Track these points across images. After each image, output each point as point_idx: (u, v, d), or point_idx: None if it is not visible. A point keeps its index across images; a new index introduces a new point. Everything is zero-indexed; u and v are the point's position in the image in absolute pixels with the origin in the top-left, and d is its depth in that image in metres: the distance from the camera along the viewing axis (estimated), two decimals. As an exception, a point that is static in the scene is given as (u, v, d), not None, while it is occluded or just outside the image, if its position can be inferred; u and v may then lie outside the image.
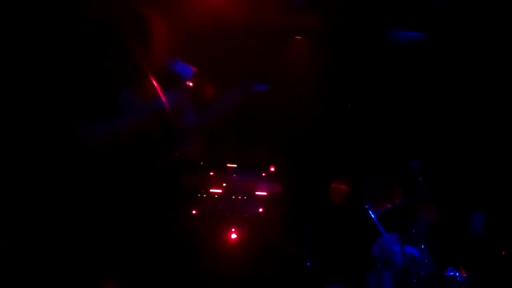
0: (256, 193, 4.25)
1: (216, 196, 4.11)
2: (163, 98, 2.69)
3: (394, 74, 4.85)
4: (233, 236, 4.12)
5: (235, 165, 4.19)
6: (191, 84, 2.98)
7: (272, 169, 4.31)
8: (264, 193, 4.30)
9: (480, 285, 4.05)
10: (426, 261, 4.19)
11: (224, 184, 4.14)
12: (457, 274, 4.07)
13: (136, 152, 2.66)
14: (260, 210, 4.23)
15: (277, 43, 4.81)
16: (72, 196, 2.58)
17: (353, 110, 4.24)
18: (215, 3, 4.41)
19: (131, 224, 2.63)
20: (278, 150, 4.37)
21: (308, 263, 4.26)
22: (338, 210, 4.55)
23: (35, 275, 3.31)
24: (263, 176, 4.31)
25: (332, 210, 4.58)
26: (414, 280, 3.97)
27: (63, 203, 2.60)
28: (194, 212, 4.00)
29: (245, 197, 4.18)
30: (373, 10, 4.71)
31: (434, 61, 4.91)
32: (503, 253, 4.24)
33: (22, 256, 2.87)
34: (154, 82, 2.70)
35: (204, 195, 4.04)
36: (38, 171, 2.69)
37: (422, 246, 4.24)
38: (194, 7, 4.34)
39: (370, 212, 4.39)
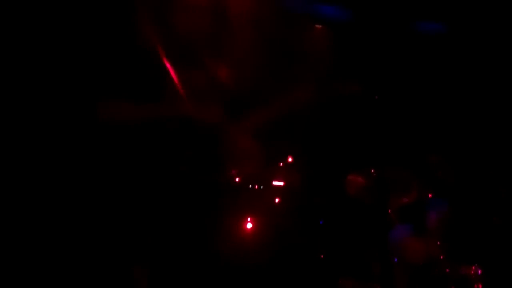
0: (273, 183, 4.22)
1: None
2: None
3: (417, 66, 4.80)
4: (249, 225, 4.09)
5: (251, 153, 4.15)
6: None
7: (290, 159, 4.27)
8: (281, 184, 4.26)
9: (495, 284, 4.01)
10: (441, 257, 4.15)
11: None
12: (471, 272, 4.04)
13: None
14: (277, 200, 4.19)
15: (298, 32, 4.76)
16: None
17: (377, 101, 4.17)
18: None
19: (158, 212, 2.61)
20: (297, 141, 4.33)
21: (322, 255, 4.24)
22: (354, 203, 4.50)
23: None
24: (281, 166, 4.27)
25: (347, 203, 4.53)
26: (426, 277, 3.94)
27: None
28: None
29: (261, 187, 4.15)
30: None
31: (455, 55, 4.85)
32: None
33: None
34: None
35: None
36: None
37: (438, 243, 4.20)
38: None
39: (386, 206, 4.36)
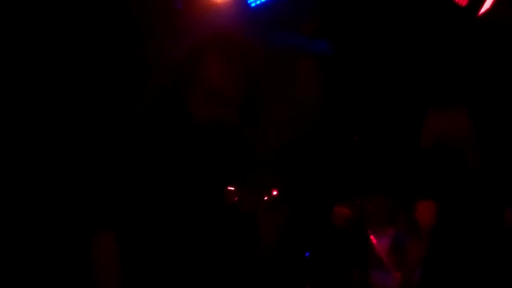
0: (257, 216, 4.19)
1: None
2: None
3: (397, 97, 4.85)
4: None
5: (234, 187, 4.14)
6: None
7: (275, 192, 4.26)
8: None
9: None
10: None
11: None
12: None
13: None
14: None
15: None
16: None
17: (359, 140, 4.22)
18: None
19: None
20: (282, 173, 4.34)
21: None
22: (340, 234, 4.50)
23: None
24: (265, 199, 4.25)
25: (334, 234, 4.52)
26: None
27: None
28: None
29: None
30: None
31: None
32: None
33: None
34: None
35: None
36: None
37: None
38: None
39: (372, 238, 4.36)
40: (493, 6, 4.73)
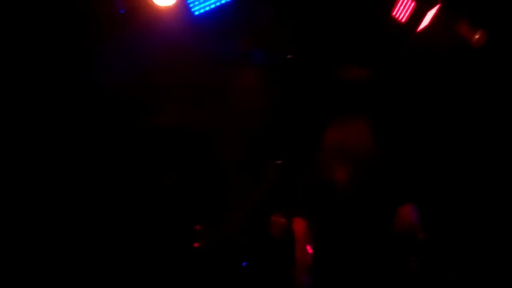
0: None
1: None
2: None
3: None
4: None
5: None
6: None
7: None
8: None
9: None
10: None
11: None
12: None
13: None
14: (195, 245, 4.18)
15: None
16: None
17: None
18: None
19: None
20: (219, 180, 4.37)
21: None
22: (278, 244, 4.54)
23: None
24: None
25: (271, 244, 4.56)
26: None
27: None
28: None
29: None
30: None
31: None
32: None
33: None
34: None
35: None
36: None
37: None
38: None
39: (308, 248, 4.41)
40: (431, 23, 4.88)
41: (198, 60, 4.72)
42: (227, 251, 4.35)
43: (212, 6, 4.55)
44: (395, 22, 4.76)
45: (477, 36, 4.89)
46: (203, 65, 4.70)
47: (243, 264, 4.34)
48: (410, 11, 4.77)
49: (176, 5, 4.49)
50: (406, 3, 4.77)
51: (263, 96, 4.83)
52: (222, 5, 4.53)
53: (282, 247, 4.43)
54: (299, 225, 3.64)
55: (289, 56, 4.89)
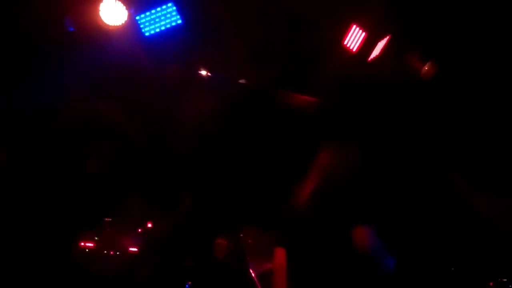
0: (130, 249, 4.15)
1: (87, 250, 3.97)
2: None
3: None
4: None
5: (110, 219, 4.09)
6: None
7: (150, 225, 4.23)
8: (138, 250, 4.21)
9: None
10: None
11: (96, 238, 4.02)
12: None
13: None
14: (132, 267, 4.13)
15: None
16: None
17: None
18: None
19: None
20: (158, 204, 4.31)
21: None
22: (222, 267, 4.51)
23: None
24: (139, 232, 4.22)
25: (215, 266, 4.53)
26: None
27: None
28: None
29: (117, 253, 4.07)
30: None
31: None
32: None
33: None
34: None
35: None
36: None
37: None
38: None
39: (251, 271, 4.38)
40: (381, 53, 4.94)
41: (147, 80, 4.71)
42: (170, 272, 4.30)
43: (163, 28, 4.55)
44: (346, 51, 4.82)
45: (426, 68, 4.97)
46: (152, 86, 4.69)
47: (187, 286, 4.31)
48: (361, 41, 4.83)
49: (126, 25, 4.48)
50: (357, 33, 4.83)
51: (212, 119, 4.83)
52: (172, 27, 4.53)
53: (226, 268, 4.40)
54: (280, 256, 3.58)
55: (241, 81, 4.91)
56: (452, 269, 4.84)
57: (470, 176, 4.55)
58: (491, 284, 4.75)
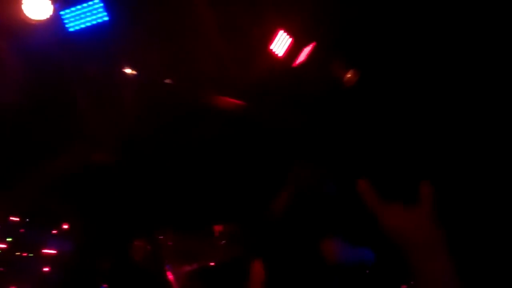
0: (43, 251, 4.08)
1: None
2: None
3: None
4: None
5: (21, 218, 4.00)
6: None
7: (65, 226, 4.17)
8: (53, 252, 4.13)
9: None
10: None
11: (8, 239, 3.93)
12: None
13: None
14: (46, 269, 4.05)
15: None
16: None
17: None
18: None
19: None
20: (75, 205, 4.25)
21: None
22: (139, 269, 4.49)
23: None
24: (54, 233, 4.15)
25: (132, 269, 4.50)
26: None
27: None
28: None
29: (30, 255, 3.99)
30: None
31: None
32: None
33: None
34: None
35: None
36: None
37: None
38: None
39: (170, 274, 4.40)
40: (307, 59, 5.05)
41: (70, 77, 4.63)
42: (85, 274, 4.25)
43: (88, 24, 4.48)
44: (271, 56, 4.89)
45: (349, 75, 5.11)
46: (75, 83, 4.61)
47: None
48: (288, 46, 4.92)
49: (50, 20, 4.38)
50: (283, 39, 4.91)
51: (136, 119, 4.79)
52: (98, 24, 4.47)
53: (144, 271, 4.39)
54: (258, 269, 3.58)
55: (167, 81, 4.90)
56: (367, 272, 4.98)
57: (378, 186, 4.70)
58: (403, 287, 4.92)
